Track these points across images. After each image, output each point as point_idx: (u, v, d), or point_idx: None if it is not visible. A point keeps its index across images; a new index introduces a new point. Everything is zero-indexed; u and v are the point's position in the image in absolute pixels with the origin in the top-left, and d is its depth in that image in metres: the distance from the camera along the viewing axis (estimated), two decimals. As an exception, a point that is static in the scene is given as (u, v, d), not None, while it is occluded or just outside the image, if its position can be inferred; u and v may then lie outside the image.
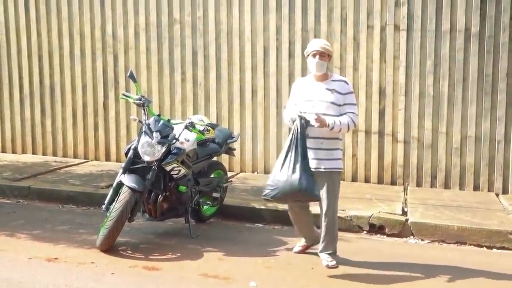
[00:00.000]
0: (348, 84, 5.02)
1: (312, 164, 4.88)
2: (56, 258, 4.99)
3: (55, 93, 8.99)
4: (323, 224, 5.06)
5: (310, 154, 4.88)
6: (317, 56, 4.91)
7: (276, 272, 4.91)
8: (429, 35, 7.55)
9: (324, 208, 5.01)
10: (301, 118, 4.79)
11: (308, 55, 4.98)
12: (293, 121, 4.89)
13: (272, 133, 8.08)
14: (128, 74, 5.55)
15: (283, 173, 4.76)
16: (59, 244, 5.36)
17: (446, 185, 7.67)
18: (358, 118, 5.07)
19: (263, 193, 4.92)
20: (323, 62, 4.93)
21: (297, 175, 4.71)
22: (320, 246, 5.14)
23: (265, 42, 8.09)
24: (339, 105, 4.92)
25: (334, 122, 4.83)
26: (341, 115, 4.90)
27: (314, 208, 5.23)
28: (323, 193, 4.93)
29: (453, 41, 7.50)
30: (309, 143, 4.88)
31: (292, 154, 4.76)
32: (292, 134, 4.80)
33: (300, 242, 5.38)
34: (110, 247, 5.18)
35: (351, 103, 4.98)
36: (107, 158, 8.83)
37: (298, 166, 4.73)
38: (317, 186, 4.81)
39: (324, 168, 4.91)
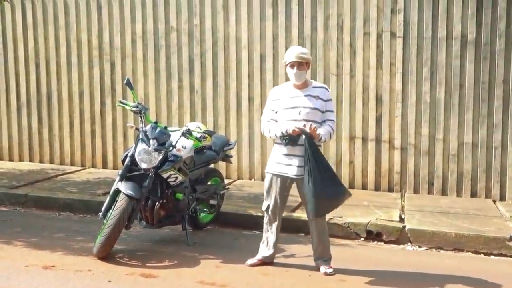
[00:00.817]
0: (328, 91, 5.08)
1: (300, 171, 4.91)
2: (53, 266, 4.98)
3: (52, 101, 9.00)
4: (315, 232, 5.07)
5: (296, 161, 4.92)
6: (295, 67, 4.93)
7: (274, 280, 4.90)
8: (426, 42, 7.58)
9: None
10: (305, 132, 4.79)
11: (287, 65, 4.99)
12: (281, 136, 4.92)
13: (269, 140, 8.08)
14: (125, 82, 5.55)
15: (316, 189, 4.76)
16: (56, 252, 5.36)
17: (443, 192, 7.68)
18: (335, 124, 5.10)
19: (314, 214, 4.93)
20: (302, 72, 4.95)
21: (329, 186, 4.77)
22: (314, 253, 5.15)
23: (262, 49, 8.11)
24: (322, 112, 4.97)
25: (322, 134, 4.89)
26: (322, 121, 4.96)
27: (301, 214, 5.22)
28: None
29: (450, 48, 7.54)
30: (296, 150, 4.91)
31: (315, 168, 4.76)
32: (306, 151, 4.78)
33: (256, 256, 5.26)
34: (107, 255, 5.17)
35: (331, 110, 5.04)
36: (104, 166, 8.83)
37: (326, 177, 4.77)
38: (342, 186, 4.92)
39: None
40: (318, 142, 4.91)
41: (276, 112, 5.05)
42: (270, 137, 5.15)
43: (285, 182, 5.01)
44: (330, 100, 5.05)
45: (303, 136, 4.81)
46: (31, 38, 8.98)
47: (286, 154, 4.97)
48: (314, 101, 4.94)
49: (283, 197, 5.06)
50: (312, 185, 4.75)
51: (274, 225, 5.15)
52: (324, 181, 4.77)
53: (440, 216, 6.61)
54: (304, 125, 4.81)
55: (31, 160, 9.13)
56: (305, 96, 4.96)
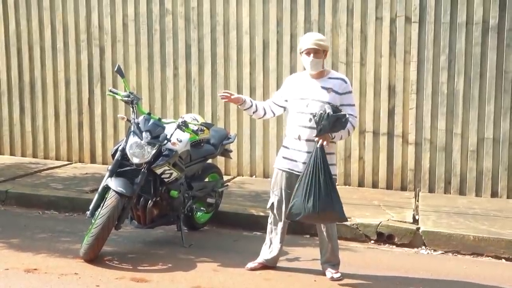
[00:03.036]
0: (346, 82, 4.99)
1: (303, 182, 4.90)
2: (35, 269, 4.98)
3: (35, 89, 8.99)
4: (324, 235, 5.08)
5: (303, 157, 4.91)
6: (312, 55, 4.89)
7: (276, 285, 4.91)
8: (443, 28, 7.57)
9: None
10: (317, 149, 4.76)
11: (302, 52, 4.97)
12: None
13: (271, 134, 8.09)
14: (115, 69, 5.55)
15: (308, 196, 4.74)
16: (39, 254, 5.35)
17: (461, 191, 7.68)
18: (357, 120, 5.08)
19: (287, 216, 4.94)
20: (319, 60, 4.91)
21: (325, 198, 4.72)
22: (322, 257, 5.16)
23: (265, 35, 8.10)
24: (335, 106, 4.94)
25: (337, 136, 4.88)
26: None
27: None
28: None
29: (470, 34, 7.52)
30: (302, 146, 4.91)
31: (316, 178, 4.73)
32: (314, 158, 4.76)
33: (257, 259, 5.27)
34: (95, 257, 5.17)
35: (349, 104, 4.97)
36: (92, 160, 8.84)
37: (323, 189, 4.73)
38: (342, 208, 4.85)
39: None
40: (335, 140, 4.91)
41: (287, 101, 5.05)
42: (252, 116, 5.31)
43: (290, 179, 5.00)
44: (349, 92, 4.97)
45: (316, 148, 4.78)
46: (12, 20, 8.97)
47: (293, 149, 4.96)
48: (325, 94, 4.89)
49: (288, 195, 5.06)
50: (303, 196, 4.73)
51: (279, 225, 5.15)
52: (315, 194, 4.72)
53: (458, 217, 6.61)
54: (317, 141, 4.77)
55: (12, 154, 9.13)
56: (317, 87, 4.93)
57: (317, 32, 7.79)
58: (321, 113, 4.72)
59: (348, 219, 6.21)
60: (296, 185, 4.81)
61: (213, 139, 6.33)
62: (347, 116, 4.79)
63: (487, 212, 6.86)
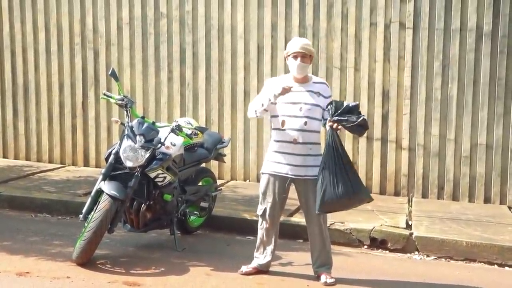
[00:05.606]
0: (328, 86, 5.17)
1: (301, 171, 4.95)
2: (27, 272, 4.97)
3: (29, 92, 8.97)
4: (316, 238, 5.08)
5: (298, 160, 4.94)
6: (299, 58, 4.95)
7: (269, 290, 4.92)
8: (437, 34, 7.60)
9: (314, 220, 5.04)
10: (332, 132, 4.81)
11: (289, 55, 5.01)
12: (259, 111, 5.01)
13: (265, 138, 8.09)
14: (109, 72, 5.55)
15: (337, 182, 4.80)
16: (31, 257, 5.34)
17: (454, 197, 7.70)
18: None
19: (319, 209, 4.92)
20: (305, 65, 4.99)
21: (349, 183, 4.81)
22: (315, 262, 5.16)
23: (259, 39, 8.12)
24: (323, 109, 5.00)
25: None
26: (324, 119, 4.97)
27: (300, 219, 5.22)
28: (311, 203, 4.96)
29: (464, 40, 7.55)
30: (298, 149, 4.95)
31: (339, 163, 4.80)
32: (330, 147, 4.81)
33: (251, 264, 5.27)
34: (87, 261, 5.16)
35: None
36: (86, 163, 8.83)
37: (348, 174, 4.82)
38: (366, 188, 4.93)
39: (313, 176, 4.93)
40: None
41: (274, 104, 5.00)
42: (256, 114, 5.08)
43: (284, 183, 5.01)
44: (331, 96, 5.13)
45: (330, 132, 4.82)
46: (6, 23, 8.96)
47: (286, 153, 4.97)
48: (316, 98, 4.97)
49: (282, 199, 5.07)
50: (332, 184, 4.78)
51: (271, 231, 5.15)
52: (344, 179, 4.79)
53: (450, 223, 6.63)
54: (331, 125, 4.82)
55: (4, 157, 9.11)
56: (306, 91, 4.99)
57: (312, 37, 7.83)
58: (341, 102, 4.87)
59: (342, 224, 6.26)
60: (320, 176, 4.81)
61: (206, 143, 6.34)
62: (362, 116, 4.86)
63: (480, 218, 6.88)
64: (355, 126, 4.80)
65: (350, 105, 4.83)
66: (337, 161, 4.80)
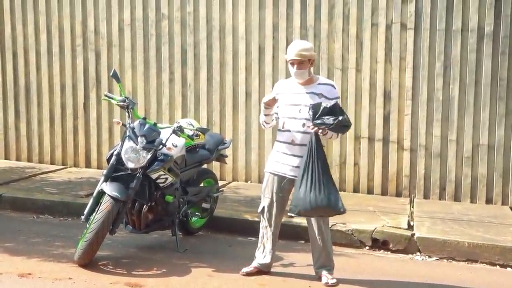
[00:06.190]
0: (335, 88, 5.10)
1: (298, 172, 4.93)
2: (29, 274, 4.97)
3: (30, 93, 8.98)
4: (317, 239, 5.09)
5: (296, 161, 4.95)
6: (295, 66, 4.97)
7: (271, 290, 4.92)
8: (439, 35, 7.60)
9: (315, 221, 5.04)
10: (314, 135, 4.82)
11: (287, 62, 5.04)
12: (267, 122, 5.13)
13: (267, 139, 8.10)
14: (111, 73, 5.55)
15: (305, 189, 4.80)
16: (33, 258, 5.35)
17: (456, 198, 7.70)
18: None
19: (289, 210, 4.97)
20: (303, 71, 4.98)
21: (322, 190, 4.77)
22: (316, 262, 5.16)
23: (261, 40, 8.12)
24: None
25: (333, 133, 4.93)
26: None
27: (301, 220, 5.22)
28: None
29: (465, 41, 7.55)
30: (295, 150, 4.96)
31: (312, 169, 4.79)
32: (309, 150, 4.82)
33: (252, 264, 5.27)
34: (89, 262, 5.17)
35: None
36: (87, 165, 8.83)
37: (321, 181, 4.78)
38: (340, 200, 4.86)
39: None
40: (325, 137, 4.93)
41: (278, 107, 5.07)
42: (264, 127, 5.25)
43: (281, 183, 5.03)
44: (337, 98, 5.05)
45: (312, 135, 4.82)
46: (8, 24, 8.96)
47: (286, 153, 5.00)
48: (317, 99, 4.95)
49: (280, 199, 5.08)
50: (307, 187, 4.78)
51: (270, 230, 5.17)
52: (320, 186, 4.77)
53: (452, 223, 6.62)
54: (316, 131, 4.82)
55: (6, 158, 9.11)
56: (307, 93, 4.99)
57: (313, 38, 7.83)
58: (319, 104, 4.81)
59: (343, 225, 6.26)
60: (299, 180, 4.84)
61: (208, 144, 6.34)
62: (345, 116, 4.84)
63: (481, 219, 6.88)
64: (337, 127, 4.77)
65: (328, 106, 4.77)
66: (311, 168, 4.79)
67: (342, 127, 4.84)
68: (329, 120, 4.76)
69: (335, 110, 4.80)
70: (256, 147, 8.21)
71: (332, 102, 4.82)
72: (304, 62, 4.96)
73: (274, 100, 4.97)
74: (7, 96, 9.06)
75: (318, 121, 4.78)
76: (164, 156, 5.43)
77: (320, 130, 4.80)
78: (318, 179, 4.78)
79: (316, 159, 4.79)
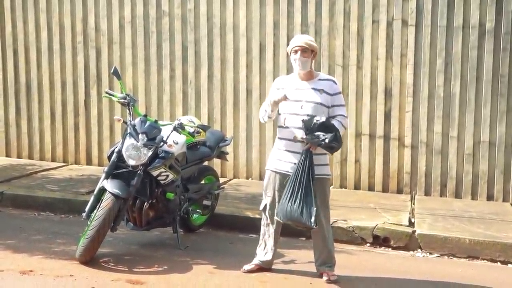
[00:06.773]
0: (336, 83, 5.09)
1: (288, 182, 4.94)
2: (31, 271, 4.98)
3: (31, 91, 8.99)
4: (317, 237, 5.09)
5: (297, 159, 4.92)
6: (299, 52, 4.95)
7: (272, 287, 4.91)
8: (440, 31, 7.59)
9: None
10: (306, 151, 4.83)
11: (291, 52, 5.03)
12: (268, 117, 5.03)
13: (268, 136, 8.10)
14: (111, 71, 5.55)
15: (285, 199, 4.85)
16: (35, 256, 5.35)
17: (457, 194, 7.70)
18: (348, 119, 5.14)
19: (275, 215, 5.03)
20: (306, 59, 4.96)
21: (297, 203, 4.79)
22: (317, 259, 5.17)
23: (262, 37, 8.12)
24: (328, 107, 4.97)
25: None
26: (329, 117, 4.95)
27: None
28: None
29: (466, 38, 7.55)
30: (297, 147, 4.94)
31: (295, 182, 4.82)
32: (299, 165, 4.83)
33: (253, 261, 5.29)
34: (90, 259, 5.17)
35: (340, 104, 5.05)
36: (88, 162, 8.84)
37: (299, 195, 4.80)
38: (314, 216, 4.82)
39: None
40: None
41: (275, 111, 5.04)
42: (264, 120, 5.14)
43: (283, 180, 5.03)
44: (339, 93, 5.05)
45: (303, 151, 4.85)
46: (8, 22, 8.97)
47: (287, 151, 4.99)
48: (318, 95, 4.95)
49: (281, 196, 5.08)
50: (287, 197, 4.83)
51: (272, 227, 5.17)
52: (297, 199, 4.80)
53: (453, 220, 6.63)
54: (308, 146, 4.83)
55: (7, 155, 9.12)
56: (309, 89, 4.98)
57: (314, 34, 7.83)
58: (312, 119, 4.79)
59: (344, 222, 6.26)
60: (286, 186, 4.87)
61: (209, 142, 6.34)
62: (338, 133, 4.84)
63: (482, 215, 6.88)
64: (328, 144, 4.76)
65: (319, 122, 4.75)
66: (297, 180, 4.80)
67: (333, 142, 4.78)
68: (320, 136, 4.75)
69: (327, 125, 4.79)
70: (257, 144, 8.21)
71: (323, 118, 4.79)
72: (307, 51, 4.95)
73: (284, 98, 4.89)
74: (8, 94, 9.07)
75: (310, 137, 4.78)
76: (165, 153, 5.43)
77: (308, 146, 4.81)
78: (297, 192, 4.79)
79: (302, 173, 4.80)
